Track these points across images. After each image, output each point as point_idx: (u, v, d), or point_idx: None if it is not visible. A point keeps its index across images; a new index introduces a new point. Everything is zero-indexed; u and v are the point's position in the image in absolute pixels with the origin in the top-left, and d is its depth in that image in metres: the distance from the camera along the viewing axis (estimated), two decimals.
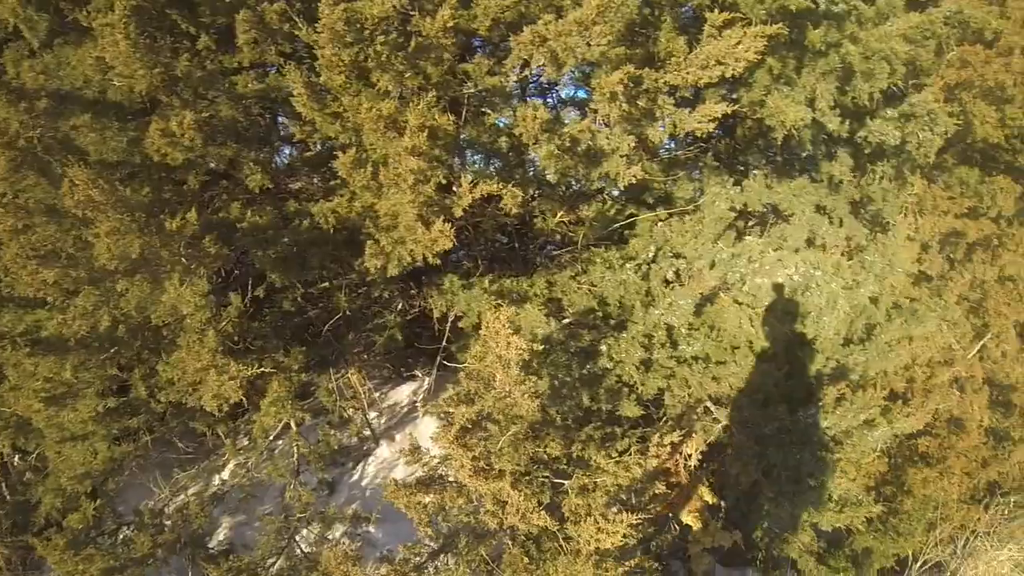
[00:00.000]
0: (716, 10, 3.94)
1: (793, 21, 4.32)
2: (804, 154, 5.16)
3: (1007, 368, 5.40)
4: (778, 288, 4.32)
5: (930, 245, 5.21)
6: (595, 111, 3.53)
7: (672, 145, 5.47)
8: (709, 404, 4.24)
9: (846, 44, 4.22)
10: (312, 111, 3.20)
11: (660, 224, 4.88)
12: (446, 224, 3.04)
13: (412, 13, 3.32)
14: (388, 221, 3.20)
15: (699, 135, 4.01)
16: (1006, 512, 5.25)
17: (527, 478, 3.17)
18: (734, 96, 4.70)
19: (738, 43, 3.74)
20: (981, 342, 5.40)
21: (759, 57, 3.81)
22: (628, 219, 4.83)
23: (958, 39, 5.23)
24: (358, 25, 3.06)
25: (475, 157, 4.25)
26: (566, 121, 3.58)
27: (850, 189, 4.88)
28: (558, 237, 5.03)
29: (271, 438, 4.01)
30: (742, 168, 5.58)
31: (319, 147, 3.87)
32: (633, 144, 3.69)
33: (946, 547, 5.06)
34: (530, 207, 4.40)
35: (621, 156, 3.68)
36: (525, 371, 2.99)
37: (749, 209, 4.94)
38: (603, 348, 3.85)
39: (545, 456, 3.28)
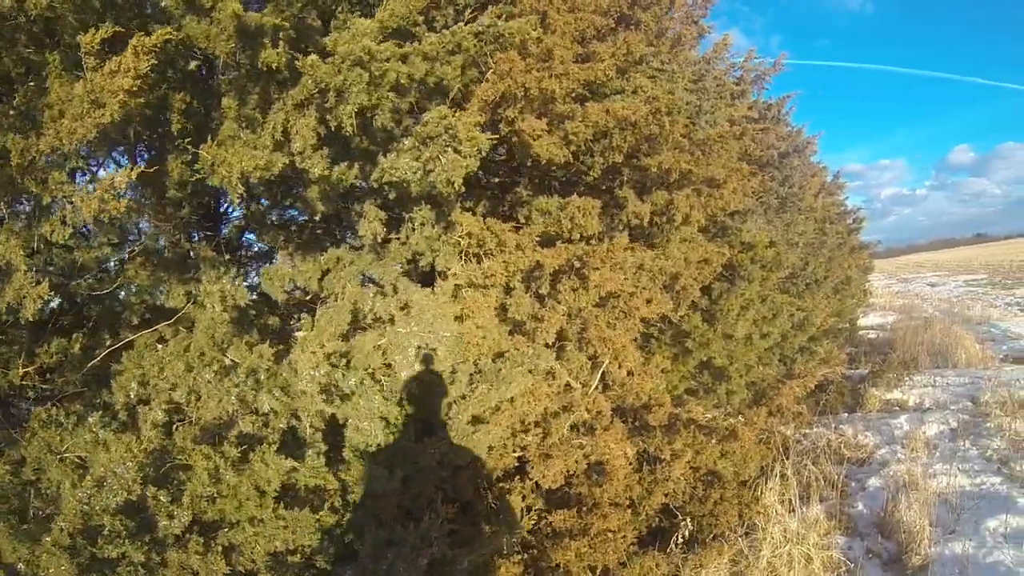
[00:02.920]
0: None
1: (246, 42, 2.96)
2: (317, 217, 3.84)
3: (636, 386, 4.30)
4: (292, 409, 2.78)
5: (513, 287, 4.00)
6: None
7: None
8: None
9: (316, 60, 2.93)
10: None
11: (161, 347, 3.30)
12: None
13: None
14: None
15: (117, 214, 2.66)
16: (687, 534, 4.06)
17: None
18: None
19: (114, 71, 2.45)
20: (599, 371, 4.28)
21: (136, 86, 2.37)
22: (112, 348, 3.29)
23: (495, 52, 4.18)
24: None
25: None
26: None
27: (399, 247, 3.57)
28: (32, 395, 3.41)
29: None
30: (267, 252, 4.12)
31: None
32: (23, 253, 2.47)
33: None
34: None
35: (24, 272, 2.49)
36: None
37: (277, 300, 3.51)
38: None
39: None
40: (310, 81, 2.96)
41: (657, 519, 4.29)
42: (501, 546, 3.04)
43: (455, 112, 3.28)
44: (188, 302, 3.43)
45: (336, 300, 3.47)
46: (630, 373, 4.41)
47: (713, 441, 3.95)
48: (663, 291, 4.55)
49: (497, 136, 4.04)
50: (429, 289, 3.26)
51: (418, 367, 2.96)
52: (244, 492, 2.80)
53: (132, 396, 2.99)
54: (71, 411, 2.98)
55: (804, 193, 8.42)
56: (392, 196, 3.54)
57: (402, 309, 3.11)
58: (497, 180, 5.75)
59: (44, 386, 3.30)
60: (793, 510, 4.76)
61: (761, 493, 4.69)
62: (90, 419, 2.88)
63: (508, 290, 4.08)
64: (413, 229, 3.56)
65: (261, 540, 2.81)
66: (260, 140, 3.00)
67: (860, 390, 8.25)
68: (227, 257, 4.55)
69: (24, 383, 3.17)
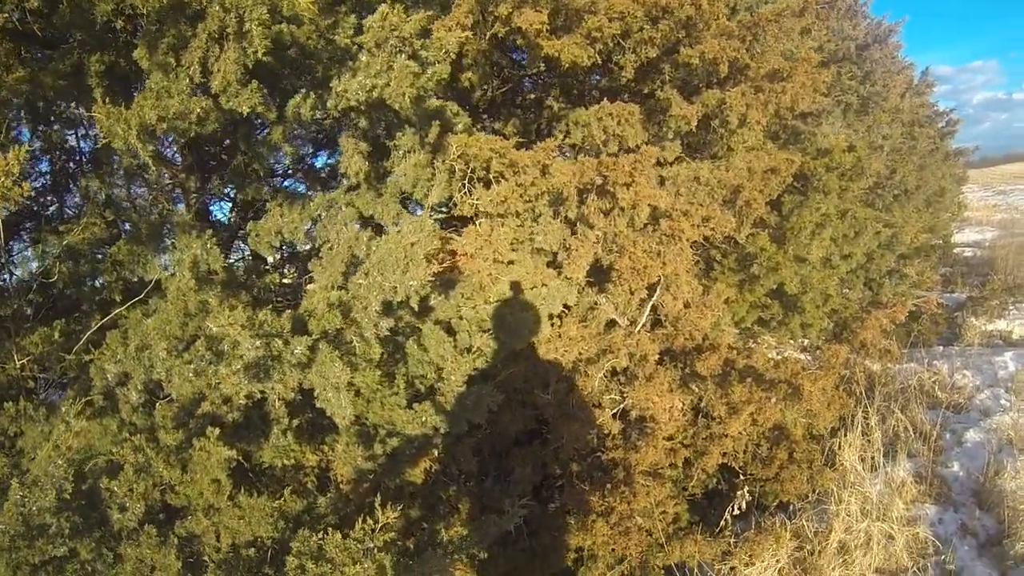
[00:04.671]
0: None
1: None
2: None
3: (692, 322, 3.56)
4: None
5: (540, 212, 3.32)
6: None
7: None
8: None
9: None
10: None
11: (148, 320, 2.86)
12: None
13: None
14: None
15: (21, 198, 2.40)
16: (745, 504, 3.37)
17: None
18: None
19: None
20: (649, 304, 3.57)
21: None
22: (92, 331, 2.99)
23: None
24: None
25: None
26: None
27: (400, 180, 2.97)
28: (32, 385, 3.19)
29: None
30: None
31: None
32: None
33: None
34: None
35: None
36: None
37: (266, 256, 3.04)
38: None
39: None
40: (217, 6, 2.31)
41: (715, 479, 3.61)
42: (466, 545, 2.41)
43: (404, 10, 2.54)
44: (165, 272, 3.09)
45: (332, 248, 2.93)
46: (686, 305, 3.67)
47: (774, 399, 3.15)
48: (723, 207, 3.75)
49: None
50: (398, 228, 2.60)
51: (386, 323, 2.31)
52: (199, 480, 2.31)
53: (110, 379, 2.66)
54: (39, 403, 2.76)
55: (888, 92, 7.16)
56: (362, 124, 2.88)
57: (367, 256, 2.46)
58: (533, 96, 5.02)
59: (43, 375, 3.16)
60: (875, 468, 3.96)
61: (839, 448, 3.89)
62: (63, 408, 2.60)
63: (536, 217, 3.40)
64: (402, 158, 2.91)
65: (223, 531, 2.33)
66: (176, 86, 2.39)
67: (957, 319, 7.13)
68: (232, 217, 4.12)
69: (24, 373, 3.02)
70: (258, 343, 2.12)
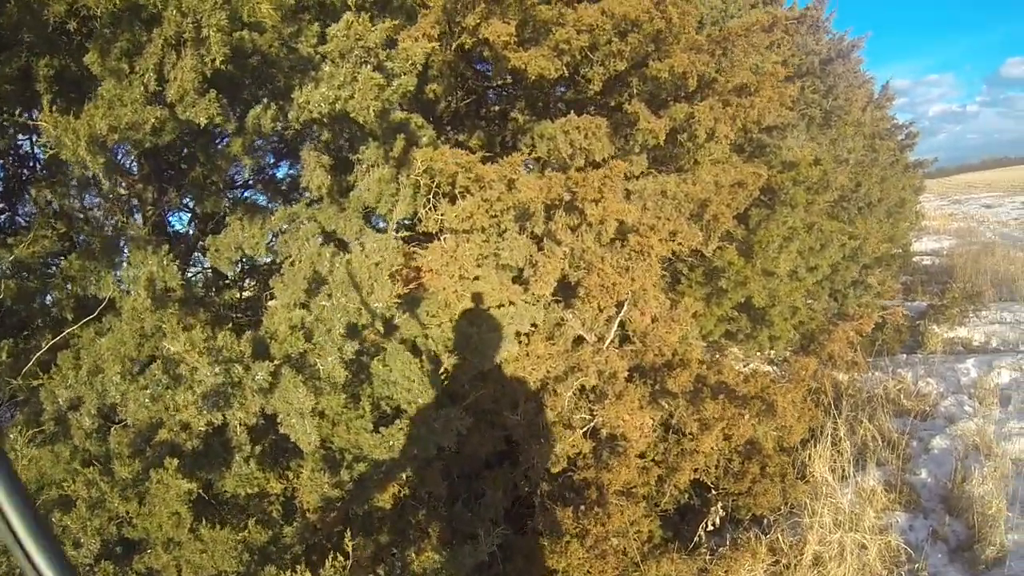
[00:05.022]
0: None
1: None
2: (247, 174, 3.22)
3: (661, 338, 3.54)
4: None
5: (506, 228, 3.27)
6: None
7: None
8: None
9: None
10: None
11: (102, 340, 2.67)
12: None
13: None
14: None
15: None
16: (719, 520, 3.35)
17: None
18: None
19: None
20: (617, 319, 3.54)
21: None
22: (41, 352, 2.76)
23: None
24: None
25: None
26: None
27: (363, 195, 2.88)
28: None
29: None
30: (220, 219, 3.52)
31: None
32: None
33: None
34: None
35: None
36: None
37: (226, 272, 2.92)
38: None
39: None
40: (174, 10, 2.23)
41: (687, 495, 3.59)
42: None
43: (368, 19, 2.48)
44: (119, 288, 2.95)
45: (293, 265, 2.83)
46: (654, 320, 3.65)
47: (747, 416, 3.16)
48: (691, 221, 3.75)
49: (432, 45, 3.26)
50: (362, 246, 2.53)
51: (351, 347, 2.23)
52: (158, 513, 2.19)
53: (62, 403, 2.48)
54: None
55: (851, 106, 7.33)
56: (324, 136, 2.81)
57: (330, 274, 2.38)
58: (498, 108, 4.99)
59: None
60: (846, 478, 4.00)
61: (810, 459, 3.91)
62: (11, 435, 2.43)
63: (501, 233, 3.35)
64: (365, 172, 2.84)
65: (185, 565, 2.21)
66: (129, 94, 2.29)
67: (919, 327, 7.30)
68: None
69: None
70: (217, 369, 2.03)
